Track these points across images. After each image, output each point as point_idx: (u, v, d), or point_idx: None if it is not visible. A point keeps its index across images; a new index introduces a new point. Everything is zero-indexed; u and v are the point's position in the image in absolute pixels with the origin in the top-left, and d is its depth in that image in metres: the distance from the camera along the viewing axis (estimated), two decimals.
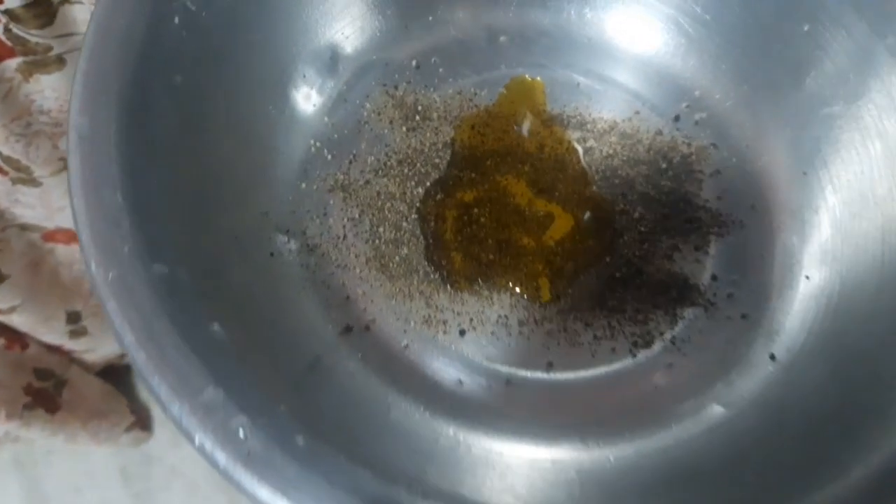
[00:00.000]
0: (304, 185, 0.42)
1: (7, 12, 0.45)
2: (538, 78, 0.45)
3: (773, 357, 0.38)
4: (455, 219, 0.42)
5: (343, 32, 0.43)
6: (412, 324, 0.39)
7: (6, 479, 0.89)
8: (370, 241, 0.41)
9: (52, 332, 0.73)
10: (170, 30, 0.34)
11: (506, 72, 0.45)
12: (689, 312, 0.40)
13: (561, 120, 0.44)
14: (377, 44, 0.44)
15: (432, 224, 0.42)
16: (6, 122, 0.53)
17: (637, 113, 0.44)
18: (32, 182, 0.60)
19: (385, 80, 0.45)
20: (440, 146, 0.44)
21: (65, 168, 0.44)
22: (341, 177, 0.42)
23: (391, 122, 0.44)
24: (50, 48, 0.49)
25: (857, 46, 0.38)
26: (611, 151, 0.43)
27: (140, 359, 0.26)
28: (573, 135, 0.44)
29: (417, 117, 0.44)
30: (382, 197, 0.42)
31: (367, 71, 0.44)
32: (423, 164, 0.43)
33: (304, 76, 0.42)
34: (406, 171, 0.43)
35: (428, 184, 0.43)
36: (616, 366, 0.39)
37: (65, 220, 0.66)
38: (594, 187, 0.43)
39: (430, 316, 0.39)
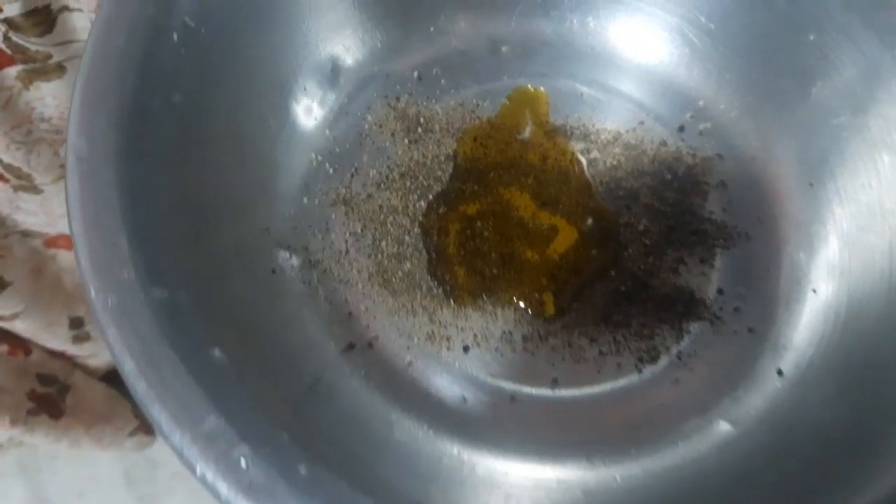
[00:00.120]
0: (305, 200, 0.41)
1: (6, 20, 0.44)
2: (541, 88, 0.45)
3: (780, 372, 0.37)
4: (458, 232, 0.41)
5: (344, 44, 0.43)
6: (415, 340, 0.39)
7: (11, 485, 0.90)
8: (373, 256, 0.41)
9: (55, 338, 0.73)
10: (168, 47, 0.33)
11: (508, 82, 0.45)
12: (695, 327, 0.39)
13: (564, 131, 0.44)
14: (378, 55, 0.44)
15: (435, 238, 0.41)
16: (7, 130, 0.53)
17: (641, 123, 0.44)
18: (34, 189, 0.60)
19: (386, 91, 0.44)
20: (442, 158, 0.43)
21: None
22: (343, 191, 0.42)
23: (393, 135, 0.44)
24: (50, 56, 0.49)
25: (863, 57, 0.38)
26: (615, 162, 0.43)
27: (140, 388, 0.26)
28: (577, 146, 0.43)
29: (419, 129, 0.44)
30: (385, 211, 0.42)
31: (368, 83, 0.44)
32: (425, 176, 0.43)
33: (305, 89, 0.42)
34: (408, 184, 0.42)
35: (430, 197, 0.42)
36: (622, 382, 0.38)
37: (66, 227, 0.65)
38: (598, 199, 0.42)
39: (433, 332, 0.39)
